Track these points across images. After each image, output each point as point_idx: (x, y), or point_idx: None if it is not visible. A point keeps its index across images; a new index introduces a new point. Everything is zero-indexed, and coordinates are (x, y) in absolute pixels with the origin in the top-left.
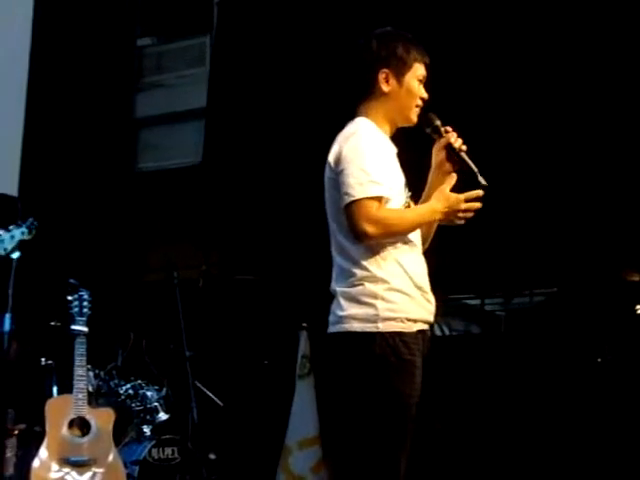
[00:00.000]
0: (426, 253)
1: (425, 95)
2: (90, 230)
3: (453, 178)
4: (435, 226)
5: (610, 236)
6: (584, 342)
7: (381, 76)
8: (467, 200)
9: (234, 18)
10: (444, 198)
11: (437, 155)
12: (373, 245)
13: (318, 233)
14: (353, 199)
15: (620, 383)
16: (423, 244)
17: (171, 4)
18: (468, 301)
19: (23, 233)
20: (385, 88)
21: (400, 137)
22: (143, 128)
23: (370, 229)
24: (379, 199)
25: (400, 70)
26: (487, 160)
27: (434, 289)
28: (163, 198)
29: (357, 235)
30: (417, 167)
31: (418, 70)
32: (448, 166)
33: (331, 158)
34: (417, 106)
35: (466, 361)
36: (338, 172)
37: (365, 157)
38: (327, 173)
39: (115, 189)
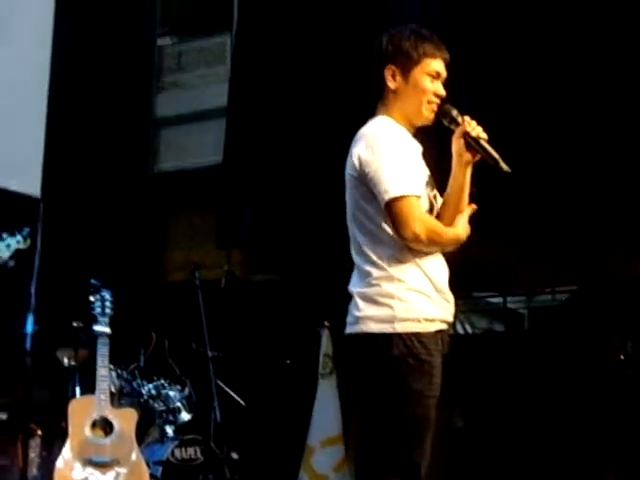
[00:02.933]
0: (448, 252)
1: (441, 91)
2: (112, 230)
3: (472, 209)
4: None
5: (633, 233)
6: (607, 339)
7: (387, 72)
8: None
9: (254, 16)
10: (464, 229)
11: (456, 144)
12: (393, 246)
13: (341, 232)
14: (397, 195)
15: None
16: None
17: (191, 3)
18: (491, 299)
19: (18, 242)
20: (392, 85)
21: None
22: (163, 128)
23: (420, 229)
24: (419, 197)
25: (406, 66)
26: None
27: (456, 288)
28: (184, 198)
29: (404, 234)
30: (445, 165)
31: (429, 66)
32: (468, 155)
33: (355, 157)
34: (431, 102)
35: (489, 359)
36: (367, 172)
37: (396, 155)
38: (350, 171)
39: (136, 189)
